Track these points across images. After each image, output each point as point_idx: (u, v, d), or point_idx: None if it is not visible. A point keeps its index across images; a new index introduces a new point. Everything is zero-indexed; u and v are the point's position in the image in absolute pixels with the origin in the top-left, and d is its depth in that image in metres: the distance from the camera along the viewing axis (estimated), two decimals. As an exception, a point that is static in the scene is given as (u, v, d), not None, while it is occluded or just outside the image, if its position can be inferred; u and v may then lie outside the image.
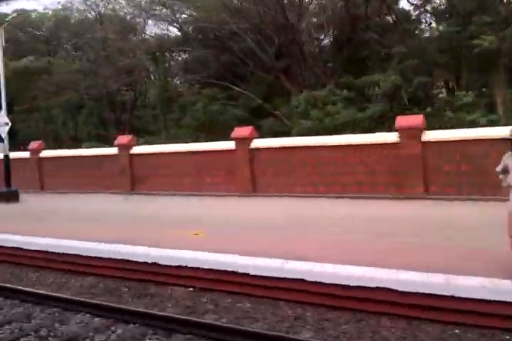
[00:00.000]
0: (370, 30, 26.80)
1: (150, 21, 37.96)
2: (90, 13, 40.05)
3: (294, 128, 20.63)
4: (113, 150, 16.44)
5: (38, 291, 6.81)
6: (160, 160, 15.46)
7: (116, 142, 16.32)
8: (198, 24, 30.31)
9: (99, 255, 7.58)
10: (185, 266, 6.83)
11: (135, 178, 15.91)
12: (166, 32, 35.31)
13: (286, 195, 12.79)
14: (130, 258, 7.27)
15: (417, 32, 26.53)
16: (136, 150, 16.00)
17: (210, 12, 29.81)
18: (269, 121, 25.99)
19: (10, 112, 35.02)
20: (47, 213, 12.25)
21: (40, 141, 19.06)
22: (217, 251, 6.82)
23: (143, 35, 38.00)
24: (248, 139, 13.60)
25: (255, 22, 29.06)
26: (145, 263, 7.17)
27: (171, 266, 6.96)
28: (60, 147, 25.29)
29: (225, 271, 6.48)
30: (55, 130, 34.76)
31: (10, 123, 15.05)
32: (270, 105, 29.51)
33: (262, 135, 15.22)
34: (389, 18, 28.61)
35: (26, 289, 6.92)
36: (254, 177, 13.43)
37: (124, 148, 16.03)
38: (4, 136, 15.18)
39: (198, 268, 6.75)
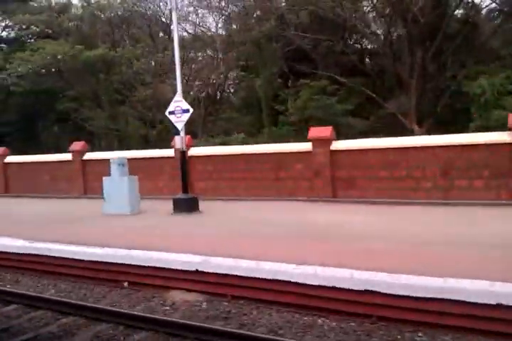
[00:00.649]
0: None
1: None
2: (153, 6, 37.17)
3: (478, 119, 17.03)
4: (303, 146, 13.01)
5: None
6: (376, 158, 12.00)
7: (309, 135, 12.85)
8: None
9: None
10: None
11: (337, 181, 12.47)
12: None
13: None
14: None
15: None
16: (339, 145, 12.53)
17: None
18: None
19: (76, 109, 32.14)
20: (304, 231, 8.79)
21: (188, 135, 15.62)
22: None
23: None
24: (536, 129, 10.06)
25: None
26: None
27: None
28: (128, 148, 21.91)
29: None
30: (120, 129, 31.06)
31: (191, 110, 11.62)
32: (380, 98, 26.32)
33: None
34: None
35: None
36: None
37: (321, 143, 12.59)
38: (181, 127, 11.77)
39: None
